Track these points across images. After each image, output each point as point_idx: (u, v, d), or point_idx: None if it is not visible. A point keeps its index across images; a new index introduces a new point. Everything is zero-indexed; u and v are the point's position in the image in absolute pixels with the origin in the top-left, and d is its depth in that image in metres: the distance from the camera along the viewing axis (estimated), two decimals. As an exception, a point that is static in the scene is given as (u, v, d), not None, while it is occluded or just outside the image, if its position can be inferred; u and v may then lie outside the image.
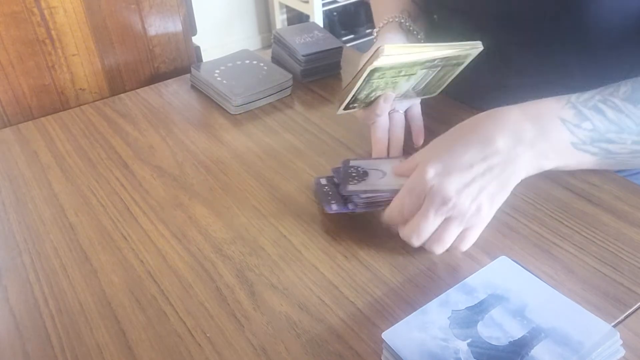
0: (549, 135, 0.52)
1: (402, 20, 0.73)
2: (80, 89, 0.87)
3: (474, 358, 0.40)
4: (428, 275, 0.52)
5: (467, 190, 0.49)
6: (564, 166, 0.54)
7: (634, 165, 0.56)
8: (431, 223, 0.49)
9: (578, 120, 0.52)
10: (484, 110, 0.55)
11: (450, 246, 0.51)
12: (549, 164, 0.53)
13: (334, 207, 0.56)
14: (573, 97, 0.54)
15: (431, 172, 0.49)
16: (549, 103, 0.53)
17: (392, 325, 0.42)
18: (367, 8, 2.78)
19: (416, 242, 0.51)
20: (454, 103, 0.77)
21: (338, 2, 2.85)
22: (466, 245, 0.52)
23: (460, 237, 0.51)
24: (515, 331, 0.41)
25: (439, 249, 0.51)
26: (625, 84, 0.54)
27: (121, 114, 0.79)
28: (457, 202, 0.48)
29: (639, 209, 0.58)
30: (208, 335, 0.47)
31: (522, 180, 0.61)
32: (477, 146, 0.50)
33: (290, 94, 0.82)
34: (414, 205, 0.50)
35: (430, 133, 0.70)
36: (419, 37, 0.74)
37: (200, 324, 0.48)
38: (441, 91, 0.71)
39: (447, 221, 0.50)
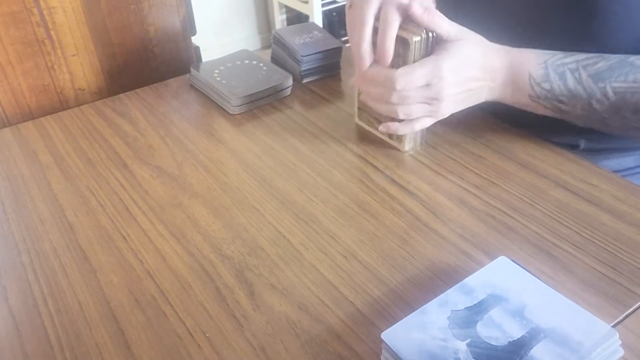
0: (515, 83, 0.63)
1: None
2: (80, 89, 0.87)
3: (473, 358, 0.40)
4: (427, 276, 0.52)
5: (456, 95, 0.61)
6: (518, 105, 0.65)
7: (589, 126, 0.64)
8: (419, 100, 0.61)
9: (541, 80, 0.62)
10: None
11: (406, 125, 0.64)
12: (509, 101, 0.65)
13: None
14: (553, 57, 0.62)
15: (447, 67, 0.59)
16: (531, 56, 0.63)
17: (391, 325, 0.42)
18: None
19: (401, 112, 0.62)
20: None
21: (337, 2, 2.85)
22: (420, 126, 0.64)
23: (419, 118, 0.63)
24: (515, 331, 0.41)
25: (402, 115, 0.62)
26: (607, 59, 0.60)
27: (120, 114, 0.79)
28: (444, 98, 0.60)
29: (638, 209, 0.58)
30: (207, 335, 0.47)
31: (521, 180, 0.62)
32: (479, 69, 0.62)
33: (289, 94, 0.82)
34: (420, 78, 0.59)
35: (432, 133, 0.70)
36: None
37: (200, 324, 0.48)
38: None
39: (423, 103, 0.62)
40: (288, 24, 2.99)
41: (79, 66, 0.85)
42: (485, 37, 0.63)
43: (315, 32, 0.89)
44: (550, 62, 0.62)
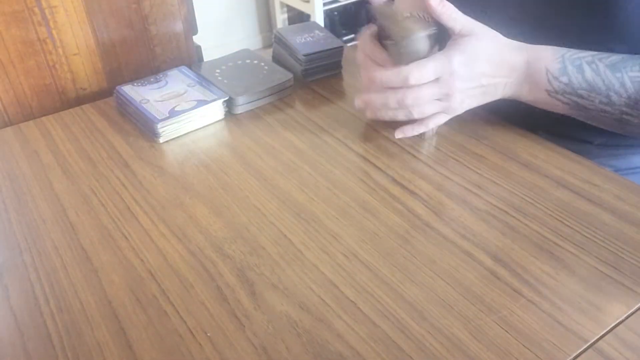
0: (532, 79, 0.62)
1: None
2: (81, 88, 0.87)
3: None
4: (429, 275, 0.52)
5: (468, 90, 0.62)
6: (538, 104, 0.65)
7: (604, 124, 0.63)
8: (431, 97, 0.62)
9: (558, 74, 0.61)
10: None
11: (419, 122, 0.65)
12: (526, 98, 0.65)
13: None
14: (569, 52, 0.61)
15: (458, 60, 0.60)
16: (547, 51, 0.62)
17: (392, 324, 0.42)
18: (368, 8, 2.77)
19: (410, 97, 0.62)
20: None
21: (339, 1, 2.84)
22: (434, 123, 0.66)
23: (433, 116, 0.65)
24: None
25: (417, 115, 0.64)
26: (618, 54, 0.60)
27: (122, 114, 0.79)
28: (456, 93, 0.61)
29: (640, 208, 0.58)
30: (209, 334, 0.47)
31: (521, 180, 0.62)
32: (492, 65, 0.62)
33: (291, 94, 0.82)
34: (431, 72, 0.60)
35: (438, 135, 0.70)
36: None
37: (201, 324, 0.48)
38: None
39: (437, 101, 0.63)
40: (289, 23, 2.99)
41: (81, 65, 0.85)
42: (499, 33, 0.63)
43: (317, 32, 0.89)
44: (567, 56, 0.61)
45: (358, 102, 0.67)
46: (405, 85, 0.61)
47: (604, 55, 0.60)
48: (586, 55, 0.61)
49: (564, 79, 0.61)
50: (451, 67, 0.60)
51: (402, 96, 0.62)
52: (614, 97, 0.60)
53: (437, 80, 0.61)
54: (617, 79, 0.59)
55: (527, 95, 0.64)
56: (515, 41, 0.63)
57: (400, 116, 0.64)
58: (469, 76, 0.61)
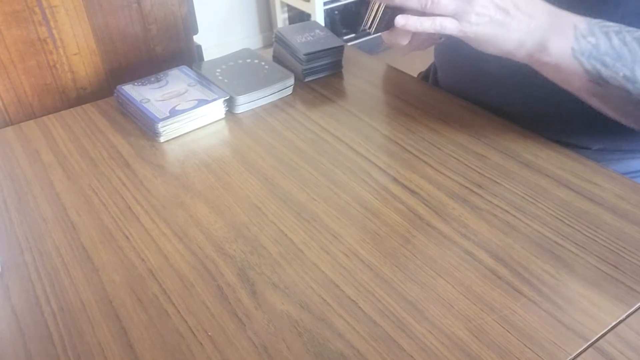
0: (559, 29, 0.57)
1: None
2: (82, 87, 0.87)
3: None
4: (429, 275, 0.52)
5: (492, 6, 0.57)
6: (556, 66, 0.59)
7: (618, 109, 0.59)
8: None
9: (586, 33, 0.57)
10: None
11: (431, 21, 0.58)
12: (546, 52, 0.58)
13: None
14: (595, 20, 0.58)
15: None
16: (574, 15, 0.58)
17: (393, 323, 0.42)
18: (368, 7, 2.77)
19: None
20: (462, 102, 0.77)
21: (339, 0, 2.84)
22: (440, 25, 0.58)
23: (443, 18, 0.58)
24: None
25: (429, 5, 0.57)
26: None
27: (122, 113, 0.79)
28: (472, 10, 0.56)
29: (641, 208, 0.58)
30: (209, 334, 0.47)
31: (522, 179, 0.62)
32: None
33: (291, 93, 0.82)
34: None
35: (435, 132, 0.70)
36: None
37: (202, 323, 0.48)
38: None
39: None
40: (290, 23, 2.99)
41: (81, 65, 0.85)
42: None
43: (317, 31, 0.89)
44: (593, 22, 0.58)
45: None
46: None
47: (631, 29, 0.57)
48: (613, 25, 0.58)
49: (592, 40, 0.57)
50: None
51: None
52: (639, 72, 0.56)
53: None
54: None
55: (550, 47, 0.58)
56: None
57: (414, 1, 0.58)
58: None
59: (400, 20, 0.59)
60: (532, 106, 0.64)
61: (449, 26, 0.58)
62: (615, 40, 0.57)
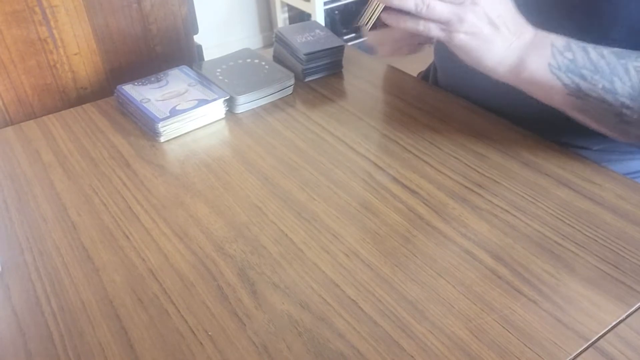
0: (536, 48, 0.59)
1: None
2: (82, 87, 0.87)
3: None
4: (430, 274, 0.52)
5: (483, 18, 0.58)
6: (535, 82, 0.60)
7: (601, 121, 0.60)
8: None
9: (563, 49, 0.58)
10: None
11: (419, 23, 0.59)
12: (523, 67, 0.60)
13: None
14: (573, 39, 0.59)
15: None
16: (553, 35, 0.59)
17: (393, 323, 0.42)
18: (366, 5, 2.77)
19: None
20: (462, 101, 0.77)
21: (339, 0, 2.84)
22: (425, 27, 0.59)
23: (432, 23, 0.59)
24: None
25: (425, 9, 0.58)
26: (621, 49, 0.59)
27: (123, 113, 0.79)
28: (465, 21, 0.57)
29: (641, 207, 0.58)
30: (210, 333, 0.47)
31: (522, 179, 0.62)
32: (509, 14, 0.59)
33: (291, 93, 0.82)
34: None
35: (435, 132, 0.70)
36: None
37: (202, 323, 0.48)
38: None
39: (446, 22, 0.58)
40: (290, 23, 2.99)
41: (81, 65, 0.85)
42: None
43: (318, 31, 0.89)
44: (572, 40, 0.59)
45: None
46: None
47: (608, 46, 0.58)
48: (590, 43, 0.59)
49: (569, 55, 0.58)
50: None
51: None
52: (618, 84, 0.57)
53: None
54: (622, 65, 0.57)
55: (528, 65, 0.59)
56: None
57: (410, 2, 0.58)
58: (489, 10, 0.57)
59: (385, 16, 0.61)
60: (532, 106, 0.64)
61: (434, 30, 0.59)
62: (593, 54, 0.58)
